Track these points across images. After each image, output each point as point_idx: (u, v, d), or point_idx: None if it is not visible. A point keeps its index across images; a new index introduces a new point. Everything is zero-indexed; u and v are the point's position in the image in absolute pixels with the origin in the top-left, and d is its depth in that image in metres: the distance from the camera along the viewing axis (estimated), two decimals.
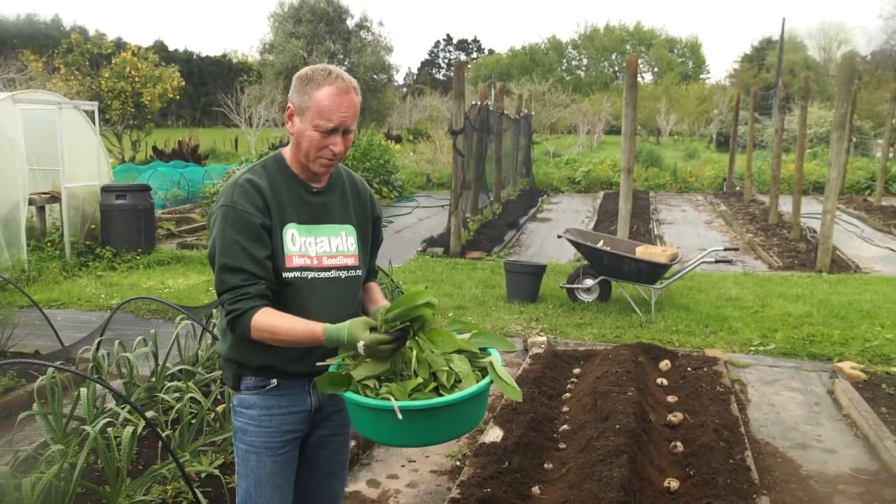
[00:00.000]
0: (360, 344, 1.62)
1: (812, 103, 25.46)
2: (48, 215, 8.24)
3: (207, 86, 44.52)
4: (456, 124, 8.96)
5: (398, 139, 26.72)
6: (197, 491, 2.77)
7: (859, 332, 5.59)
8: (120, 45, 25.98)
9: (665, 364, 4.75)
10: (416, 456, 3.65)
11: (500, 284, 7.03)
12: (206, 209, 10.89)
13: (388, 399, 1.60)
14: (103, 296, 6.70)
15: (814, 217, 10.60)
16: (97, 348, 3.75)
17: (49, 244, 7.90)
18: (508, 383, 1.71)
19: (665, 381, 4.50)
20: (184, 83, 25.48)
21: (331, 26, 31.90)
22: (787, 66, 38.85)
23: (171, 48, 46.19)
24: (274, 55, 31.88)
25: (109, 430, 2.82)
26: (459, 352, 1.75)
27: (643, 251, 6.38)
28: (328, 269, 1.86)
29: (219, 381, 3.57)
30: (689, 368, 4.63)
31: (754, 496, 3.05)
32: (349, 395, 1.63)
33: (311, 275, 1.83)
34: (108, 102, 20.53)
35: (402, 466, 3.52)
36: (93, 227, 8.23)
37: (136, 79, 21.10)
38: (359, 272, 1.94)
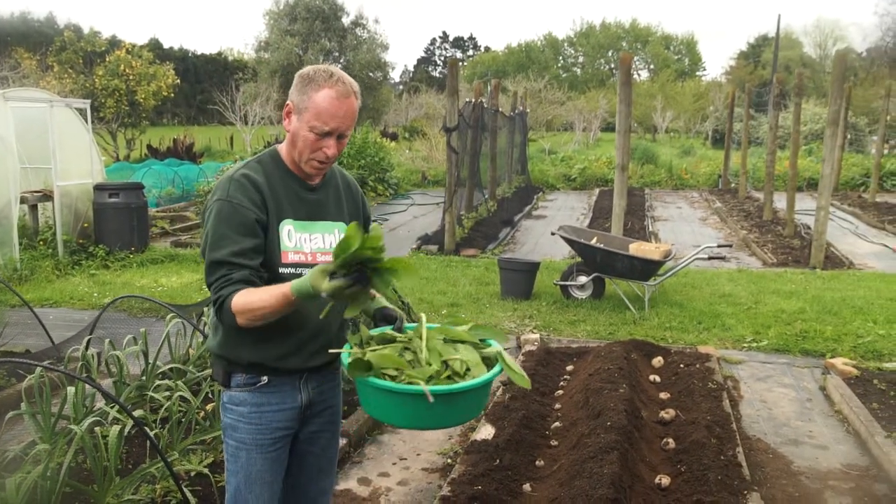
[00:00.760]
0: (323, 295, 1.59)
1: (808, 100, 25.53)
2: (41, 214, 8.20)
3: (203, 84, 44.36)
4: (450, 121, 8.95)
5: (394, 137, 26.67)
6: (185, 490, 2.76)
7: (852, 328, 5.60)
8: (114, 43, 25.91)
9: (658, 361, 4.75)
10: (408, 454, 3.64)
11: (494, 282, 7.02)
12: (201, 207, 10.85)
13: (417, 384, 1.66)
14: (96, 294, 6.67)
15: (808, 214, 10.61)
16: (86, 347, 3.73)
17: (41, 243, 7.86)
18: (517, 371, 1.79)
19: (658, 378, 4.50)
20: (179, 81, 25.38)
21: (326, 24, 31.85)
22: (783, 62, 38.91)
23: (166, 46, 46.08)
24: (269, 53, 31.82)
25: (97, 429, 2.80)
26: (462, 343, 1.82)
27: (636, 248, 6.37)
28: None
29: (209, 379, 3.55)
30: (681, 365, 4.63)
31: (745, 492, 3.05)
32: (374, 380, 1.67)
33: (305, 271, 1.81)
34: (103, 100, 20.46)
35: (394, 464, 3.51)
36: (86, 225, 8.19)
37: (131, 77, 21.02)
38: None
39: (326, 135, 1.76)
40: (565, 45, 66.06)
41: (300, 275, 1.79)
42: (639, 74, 57.49)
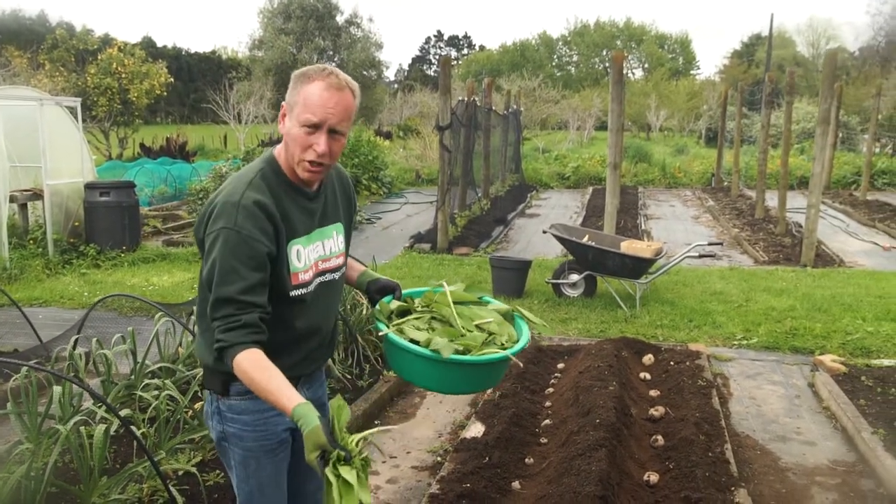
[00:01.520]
0: (307, 455, 1.53)
1: (800, 99, 25.63)
2: (31, 213, 8.16)
3: (196, 82, 44.24)
4: (442, 120, 8.94)
5: (388, 136, 26.64)
6: (172, 489, 2.75)
7: (841, 325, 5.63)
8: (107, 41, 25.75)
9: (648, 358, 4.76)
10: (398, 452, 3.64)
11: (486, 280, 7.02)
12: (193, 206, 10.81)
13: (488, 352, 1.84)
14: (86, 294, 6.64)
15: (800, 212, 10.66)
16: (74, 346, 3.71)
17: (32, 242, 7.82)
18: (536, 321, 2.03)
19: (648, 376, 4.51)
20: (172, 79, 25.26)
21: (320, 22, 31.79)
22: (776, 61, 39.03)
23: (159, 44, 45.92)
24: (263, 51, 31.75)
25: (83, 428, 2.79)
26: (471, 304, 2.03)
27: (628, 246, 6.39)
28: (323, 272, 1.86)
29: (198, 378, 3.54)
30: (671, 363, 4.65)
31: (732, 488, 3.06)
32: (455, 356, 1.80)
33: (312, 286, 1.82)
34: (95, 99, 20.33)
35: (384, 462, 3.51)
36: (76, 224, 8.15)
37: (123, 75, 20.90)
38: (344, 267, 1.97)
39: (315, 127, 1.67)
40: (560, 43, 66.07)
41: (308, 291, 1.80)
42: (633, 73, 57.62)
